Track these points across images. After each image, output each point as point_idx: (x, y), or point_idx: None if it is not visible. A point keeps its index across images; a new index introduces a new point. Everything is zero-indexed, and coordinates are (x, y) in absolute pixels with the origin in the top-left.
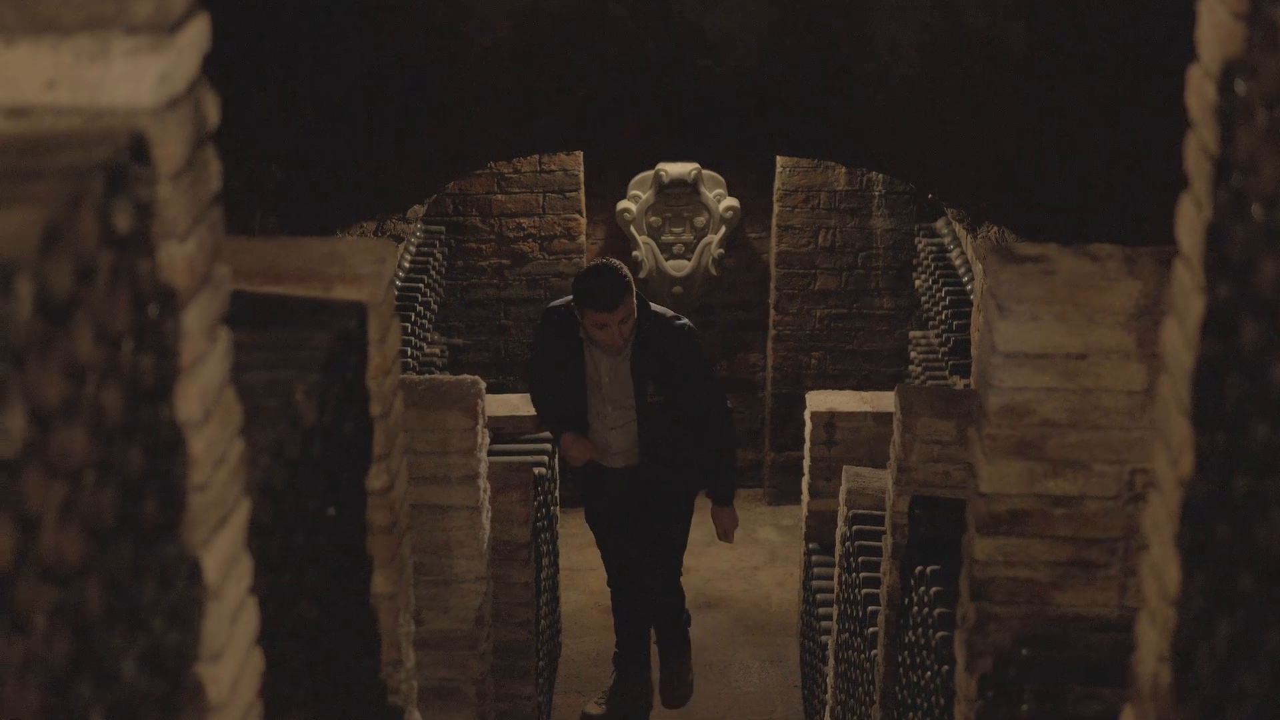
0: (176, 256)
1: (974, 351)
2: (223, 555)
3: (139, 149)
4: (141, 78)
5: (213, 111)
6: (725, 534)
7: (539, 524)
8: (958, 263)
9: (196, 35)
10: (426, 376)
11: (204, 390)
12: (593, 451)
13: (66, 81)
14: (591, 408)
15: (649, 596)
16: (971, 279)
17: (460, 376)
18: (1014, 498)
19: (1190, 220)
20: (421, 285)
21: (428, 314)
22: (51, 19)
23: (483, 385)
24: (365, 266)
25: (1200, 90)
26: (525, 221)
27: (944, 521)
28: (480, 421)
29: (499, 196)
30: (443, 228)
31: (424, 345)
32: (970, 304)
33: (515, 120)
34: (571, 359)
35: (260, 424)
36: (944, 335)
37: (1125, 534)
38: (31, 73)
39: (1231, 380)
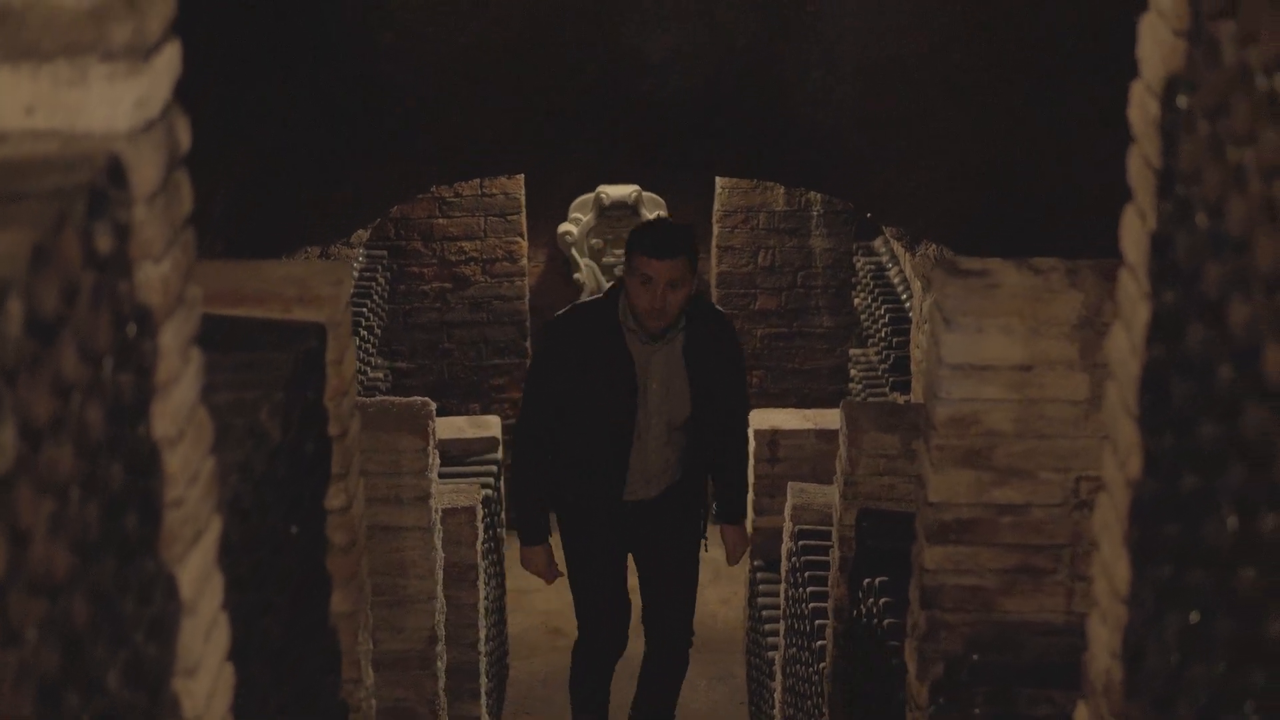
0: (152, 277)
1: (913, 368)
2: (197, 571)
3: (116, 172)
4: (118, 103)
5: (185, 135)
6: (735, 556)
7: (486, 546)
8: (896, 281)
9: (170, 60)
10: (377, 398)
11: (178, 408)
12: (553, 575)
13: (45, 107)
14: (637, 426)
15: (663, 650)
16: (910, 297)
17: (410, 398)
18: (962, 506)
19: (1135, 230)
20: (365, 310)
21: (371, 338)
22: (31, 46)
23: (433, 406)
24: (323, 288)
25: (1143, 105)
26: (467, 245)
27: (890, 534)
28: (431, 443)
29: (440, 220)
30: (385, 252)
31: (368, 369)
32: (909, 321)
33: (460, 146)
34: (613, 364)
35: (227, 443)
36: (884, 353)
37: (1071, 541)
38: (11, 99)
39: (1177, 383)
